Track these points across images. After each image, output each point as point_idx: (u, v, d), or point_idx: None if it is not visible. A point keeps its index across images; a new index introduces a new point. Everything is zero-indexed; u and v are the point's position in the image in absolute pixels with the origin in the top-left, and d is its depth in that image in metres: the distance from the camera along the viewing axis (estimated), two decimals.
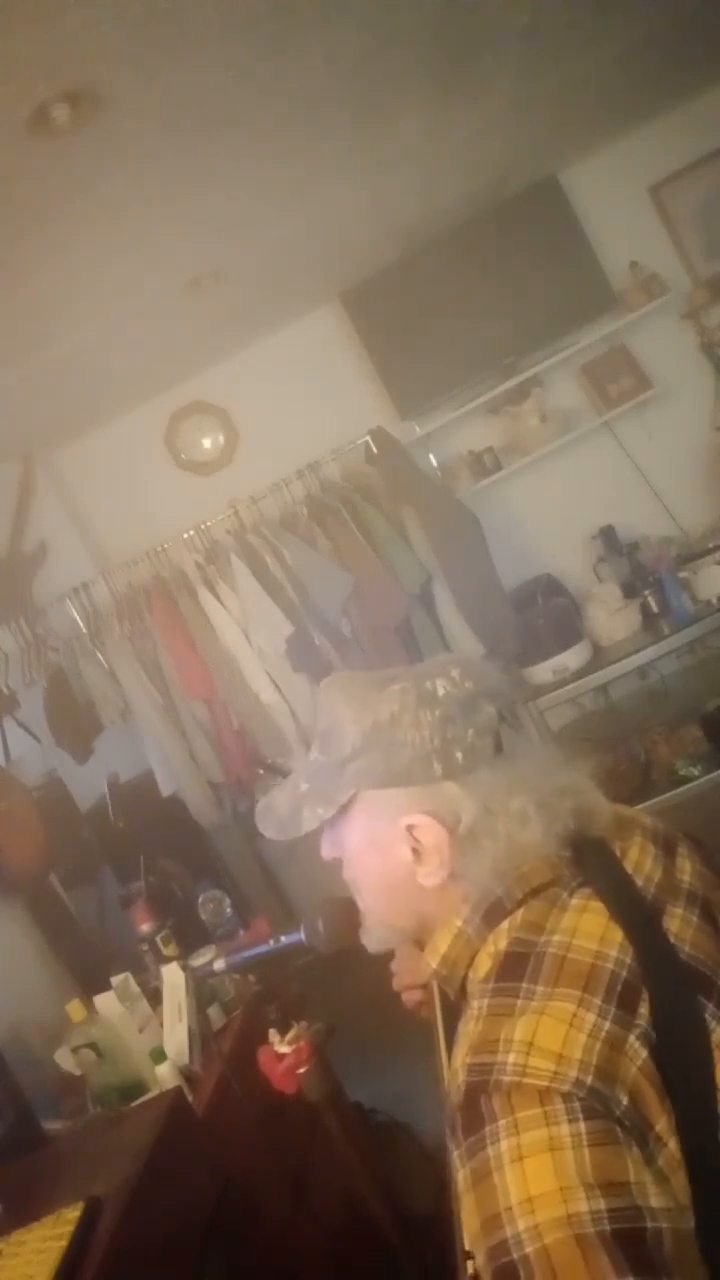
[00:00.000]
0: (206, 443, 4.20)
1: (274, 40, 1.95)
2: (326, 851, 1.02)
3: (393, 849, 0.94)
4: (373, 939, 1.03)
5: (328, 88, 2.28)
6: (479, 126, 3.05)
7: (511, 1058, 0.76)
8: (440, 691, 0.93)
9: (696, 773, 3.50)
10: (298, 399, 4.09)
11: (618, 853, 0.93)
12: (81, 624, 3.74)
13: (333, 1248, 1.96)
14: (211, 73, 1.95)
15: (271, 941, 1.32)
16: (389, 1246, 1.64)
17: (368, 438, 3.75)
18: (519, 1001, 0.80)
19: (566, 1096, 0.74)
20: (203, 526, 3.70)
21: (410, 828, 0.92)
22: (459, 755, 0.92)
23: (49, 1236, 1.45)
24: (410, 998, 1.23)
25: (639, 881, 0.90)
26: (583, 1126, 0.72)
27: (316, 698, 1.05)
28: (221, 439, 4.19)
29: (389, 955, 1.20)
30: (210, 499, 3.92)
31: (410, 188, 3.31)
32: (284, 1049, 1.40)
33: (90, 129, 1.88)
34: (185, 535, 3.68)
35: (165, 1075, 1.91)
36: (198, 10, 1.71)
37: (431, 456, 4.14)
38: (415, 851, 0.93)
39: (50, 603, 3.76)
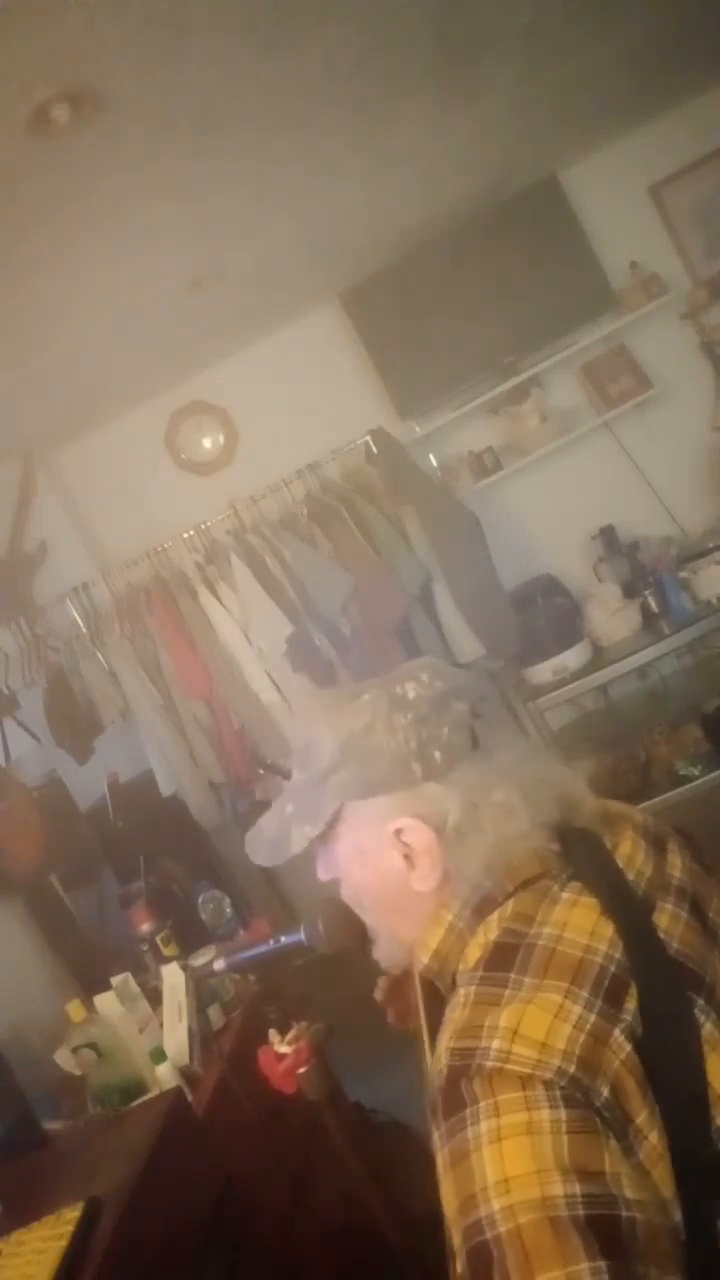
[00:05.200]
0: (206, 443, 4.19)
1: (274, 40, 1.95)
2: (323, 873, 1.02)
3: (384, 858, 0.94)
4: (383, 955, 1.04)
5: (328, 88, 2.28)
6: (479, 127, 3.05)
7: (495, 1044, 0.77)
8: (411, 694, 0.95)
9: (696, 773, 3.50)
10: (297, 399, 4.09)
11: (609, 846, 0.93)
12: (81, 624, 3.74)
13: (333, 1247, 1.96)
14: (211, 73, 1.95)
15: (271, 941, 1.31)
16: (389, 1246, 1.64)
17: (368, 438, 3.75)
18: (506, 991, 0.80)
19: (548, 1084, 0.74)
20: (203, 526, 3.70)
21: (398, 832, 0.93)
22: (437, 755, 0.93)
23: (49, 1236, 1.45)
24: (391, 1014, 1.25)
25: (630, 876, 0.90)
26: (563, 1114, 0.73)
27: (292, 718, 1.06)
28: (221, 439, 4.18)
29: None
30: (210, 499, 3.92)
31: (410, 188, 3.31)
32: (284, 1049, 1.39)
33: (90, 129, 1.88)
34: (185, 535, 3.68)
35: (165, 1075, 1.91)
36: (198, 10, 1.71)
37: (431, 456, 4.14)
38: (407, 857, 0.93)
39: (50, 603, 3.76)
